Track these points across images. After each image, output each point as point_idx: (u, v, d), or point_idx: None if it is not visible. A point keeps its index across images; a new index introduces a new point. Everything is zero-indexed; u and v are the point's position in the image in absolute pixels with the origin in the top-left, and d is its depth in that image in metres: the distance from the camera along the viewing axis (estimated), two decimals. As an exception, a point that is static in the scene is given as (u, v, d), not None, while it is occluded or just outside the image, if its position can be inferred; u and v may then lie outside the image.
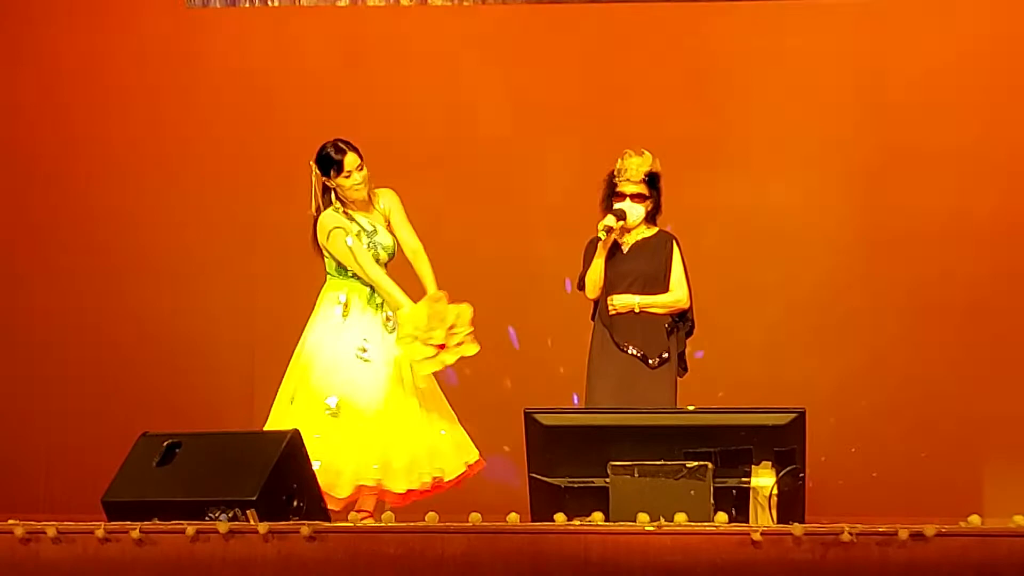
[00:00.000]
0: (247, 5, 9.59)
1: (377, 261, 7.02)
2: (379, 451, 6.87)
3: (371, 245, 7.04)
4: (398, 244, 7.14)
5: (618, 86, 9.42)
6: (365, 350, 6.95)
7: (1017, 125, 9.22)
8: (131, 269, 9.55)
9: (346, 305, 7.02)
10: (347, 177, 7.02)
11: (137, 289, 9.53)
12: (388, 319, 7.01)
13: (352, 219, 7.05)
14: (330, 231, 7.00)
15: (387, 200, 7.17)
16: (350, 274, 7.04)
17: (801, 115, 9.32)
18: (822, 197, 9.31)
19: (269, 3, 9.59)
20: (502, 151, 9.44)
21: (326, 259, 7.10)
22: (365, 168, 7.07)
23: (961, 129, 9.22)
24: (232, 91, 9.58)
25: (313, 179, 7.06)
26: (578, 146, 9.23)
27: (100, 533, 5.16)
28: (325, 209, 7.05)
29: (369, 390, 6.93)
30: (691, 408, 6.52)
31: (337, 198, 7.05)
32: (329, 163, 7.02)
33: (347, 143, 7.06)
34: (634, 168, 7.22)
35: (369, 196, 7.12)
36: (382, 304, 7.02)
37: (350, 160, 7.01)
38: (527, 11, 9.49)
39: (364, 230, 7.05)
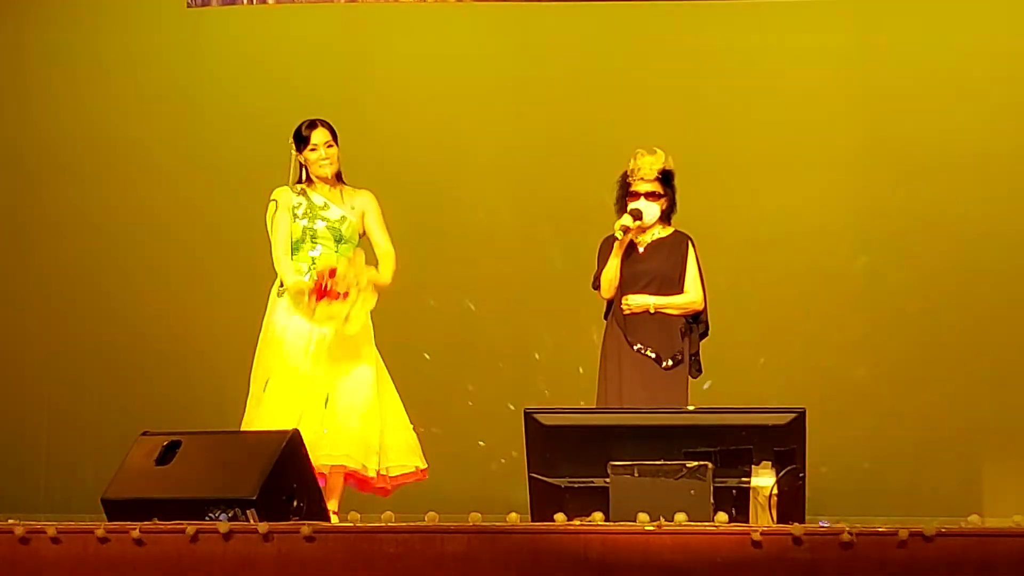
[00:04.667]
0: (246, 3, 9.59)
1: (312, 237, 7.06)
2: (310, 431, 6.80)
3: (312, 218, 7.08)
4: (351, 226, 7.12)
5: (618, 86, 9.42)
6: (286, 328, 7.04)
7: (1018, 123, 9.23)
8: (131, 269, 9.56)
9: (282, 286, 7.10)
10: (313, 151, 7.10)
11: (137, 289, 9.54)
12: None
13: (305, 195, 7.12)
14: (268, 202, 7.15)
15: (363, 200, 7.19)
16: (296, 252, 7.09)
17: (801, 115, 9.32)
18: (822, 197, 9.31)
19: (268, 1, 9.59)
20: (503, 150, 9.44)
21: None
22: (336, 147, 7.14)
23: (962, 128, 9.23)
24: (232, 89, 9.59)
25: (291, 158, 7.19)
26: (579, 145, 9.23)
27: (100, 533, 5.16)
28: None
29: (298, 366, 7.00)
30: (691, 408, 6.53)
31: (306, 177, 7.15)
32: (299, 138, 7.16)
33: (323, 121, 7.17)
34: (648, 167, 7.21)
35: (337, 176, 7.15)
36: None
37: (317, 135, 7.12)
38: (527, 10, 9.49)
39: (313, 204, 7.11)
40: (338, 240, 7.08)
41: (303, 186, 7.15)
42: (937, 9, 9.35)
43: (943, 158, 9.24)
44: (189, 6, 9.59)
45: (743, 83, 9.35)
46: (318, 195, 7.12)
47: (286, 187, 7.16)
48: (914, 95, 9.29)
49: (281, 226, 7.10)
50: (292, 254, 7.09)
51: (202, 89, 9.63)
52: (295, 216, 7.09)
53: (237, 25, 9.69)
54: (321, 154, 7.11)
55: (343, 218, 7.10)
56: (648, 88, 9.37)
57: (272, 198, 7.15)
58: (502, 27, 9.57)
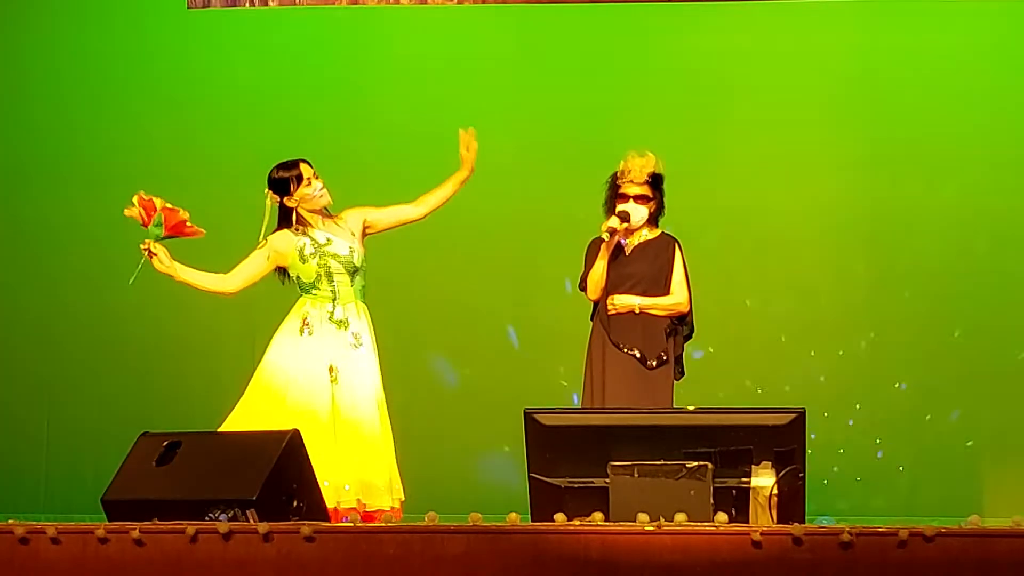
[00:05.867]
0: (248, 6, 9.60)
1: (328, 272, 6.87)
2: (355, 471, 6.75)
3: (323, 255, 6.88)
4: (359, 254, 6.92)
5: (617, 86, 9.43)
6: (332, 369, 6.81)
7: (1016, 118, 9.24)
8: (131, 269, 9.54)
9: (306, 323, 6.89)
10: (308, 185, 6.87)
11: (137, 288, 9.51)
12: (355, 335, 6.89)
13: (306, 234, 6.90)
14: (259, 243, 6.93)
15: (353, 217, 6.99)
16: (312, 291, 6.92)
17: (799, 115, 9.33)
18: (821, 196, 9.32)
19: (269, 4, 9.60)
20: (501, 151, 9.44)
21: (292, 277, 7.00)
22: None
23: (960, 125, 9.23)
24: (232, 92, 9.59)
25: (268, 207, 6.92)
26: (577, 146, 9.23)
27: (100, 533, 5.16)
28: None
29: (337, 409, 6.80)
30: (691, 408, 6.53)
31: (297, 220, 6.91)
32: (285, 181, 6.89)
33: (291, 160, 6.94)
34: (637, 169, 7.20)
35: (327, 209, 6.97)
36: (345, 321, 6.89)
37: (306, 169, 6.89)
38: (527, 12, 9.50)
39: (317, 242, 6.89)
40: (352, 272, 6.89)
41: (299, 227, 6.91)
42: (937, 9, 9.35)
43: (943, 158, 9.24)
44: (189, 7, 9.60)
45: (741, 84, 9.35)
46: (319, 232, 6.91)
47: (284, 231, 6.91)
48: (913, 95, 9.30)
49: (250, 261, 6.93)
50: (309, 292, 6.91)
51: (202, 91, 9.64)
52: (302, 258, 6.87)
53: (238, 27, 9.69)
54: (318, 185, 6.87)
55: (351, 250, 6.90)
56: (646, 89, 9.38)
57: (265, 238, 6.91)
58: (499, 30, 9.58)
